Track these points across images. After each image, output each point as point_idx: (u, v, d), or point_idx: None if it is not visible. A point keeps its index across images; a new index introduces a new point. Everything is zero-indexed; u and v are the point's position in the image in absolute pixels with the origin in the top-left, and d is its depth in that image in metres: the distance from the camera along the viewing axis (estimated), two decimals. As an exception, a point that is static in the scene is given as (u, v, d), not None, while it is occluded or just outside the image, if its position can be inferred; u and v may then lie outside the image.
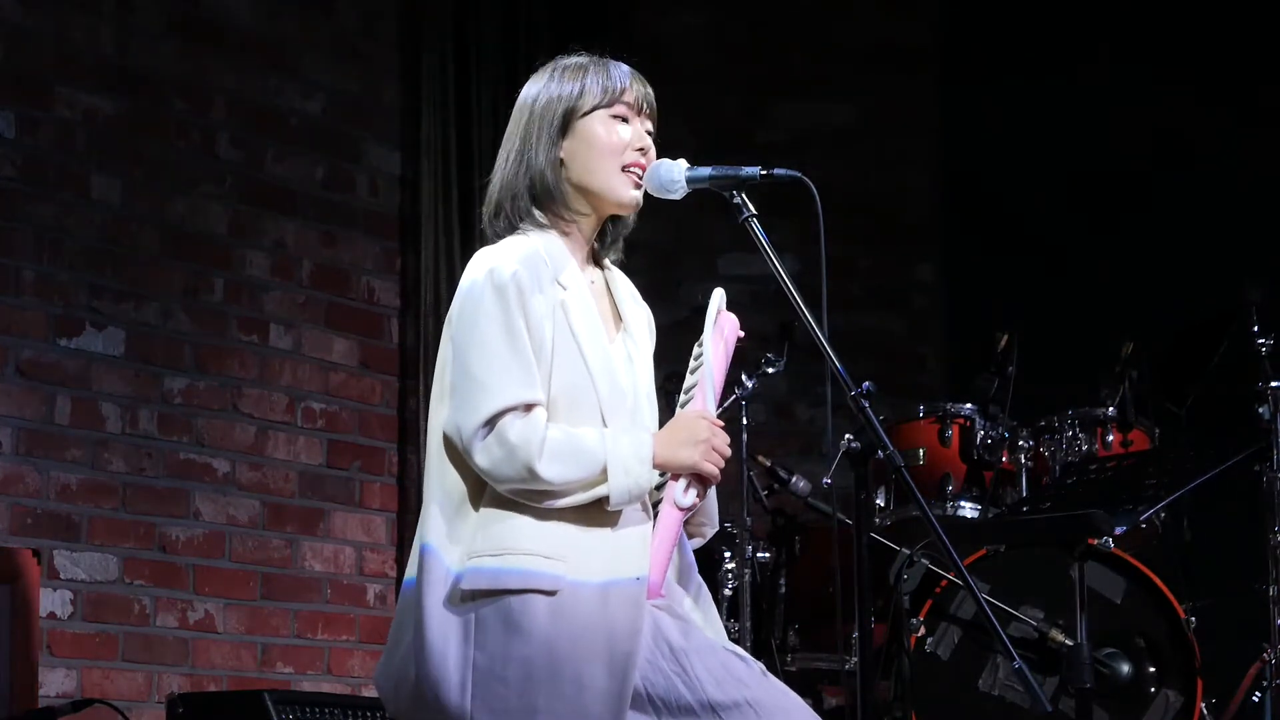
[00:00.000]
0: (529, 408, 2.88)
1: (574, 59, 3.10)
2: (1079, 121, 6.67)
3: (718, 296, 3.07)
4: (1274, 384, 4.99)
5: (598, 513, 2.91)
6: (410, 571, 2.96)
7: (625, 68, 3.09)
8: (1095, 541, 4.77)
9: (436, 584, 2.88)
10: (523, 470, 2.85)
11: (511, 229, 3.05)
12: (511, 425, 2.85)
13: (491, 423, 2.86)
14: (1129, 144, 6.54)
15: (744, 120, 6.98)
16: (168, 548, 5.37)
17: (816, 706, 5.16)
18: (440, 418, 2.95)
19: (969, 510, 5.40)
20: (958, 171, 6.92)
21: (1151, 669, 4.94)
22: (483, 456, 2.86)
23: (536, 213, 3.04)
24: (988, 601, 4.79)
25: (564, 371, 2.94)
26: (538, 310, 2.92)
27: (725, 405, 5.25)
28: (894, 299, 6.99)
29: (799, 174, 3.02)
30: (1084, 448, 5.39)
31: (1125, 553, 5.00)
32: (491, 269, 2.93)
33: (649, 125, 3.08)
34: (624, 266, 3.19)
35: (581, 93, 3.03)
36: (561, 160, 3.03)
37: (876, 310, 6.93)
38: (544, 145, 3.03)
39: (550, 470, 2.85)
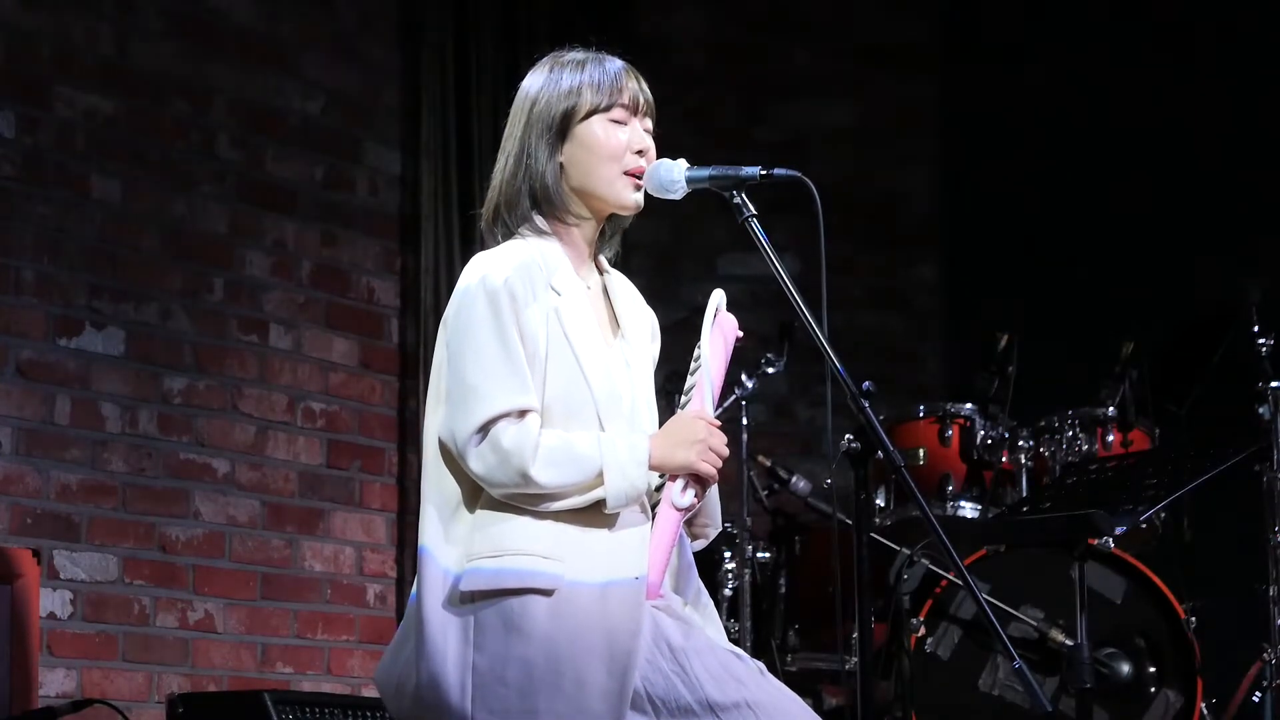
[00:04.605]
0: (522, 414, 2.87)
1: (571, 55, 3.08)
2: (1079, 121, 6.67)
3: (717, 297, 3.06)
4: (1274, 384, 4.98)
5: (596, 514, 2.90)
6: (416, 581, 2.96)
7: (620, 65, 3.07)
8: (1095, 541, 4.77)
9: (435, 586, 2.88)
10: (517, 476, 2.85)
11: (510, 234, 3.04)
12: (505, 431, 2.85)
13: (485, 429, 2.85)
14: (1129, 143, 6.54)
15: (744, 120, 6.97)
16: (168, 548, 5.36)
17: (816, 706, 5.17)
18: (435, 422, 2.95)
19: (969, 510, 5.40)
20: (958, 171, 6.91)
21: (1151, 669, 4.95)
22: (477, 463, 2.86)
23: (536, 218, 3.03)
24: (988, 601, 4.79)
25: (559, 377, 2.93)
26: (531, 316, 2.91)
27: (725, 405, 5.25)
28: (894, 299, 6.99)
29: (799, 174, 3.01)
30: (1084, 448, 5.39)
31: (1125, 553, 5.01)
32: (484, 274, 2.92)
33: (647, 123, 3.07)
34: (624, 266, 3.18)
35: (578, 97, 3.02)
36: (562, 165, 3.03)
37: (876, 310, 6.92)
38: (543, 150, 3.02)
39: (545, 475, 2.85)
